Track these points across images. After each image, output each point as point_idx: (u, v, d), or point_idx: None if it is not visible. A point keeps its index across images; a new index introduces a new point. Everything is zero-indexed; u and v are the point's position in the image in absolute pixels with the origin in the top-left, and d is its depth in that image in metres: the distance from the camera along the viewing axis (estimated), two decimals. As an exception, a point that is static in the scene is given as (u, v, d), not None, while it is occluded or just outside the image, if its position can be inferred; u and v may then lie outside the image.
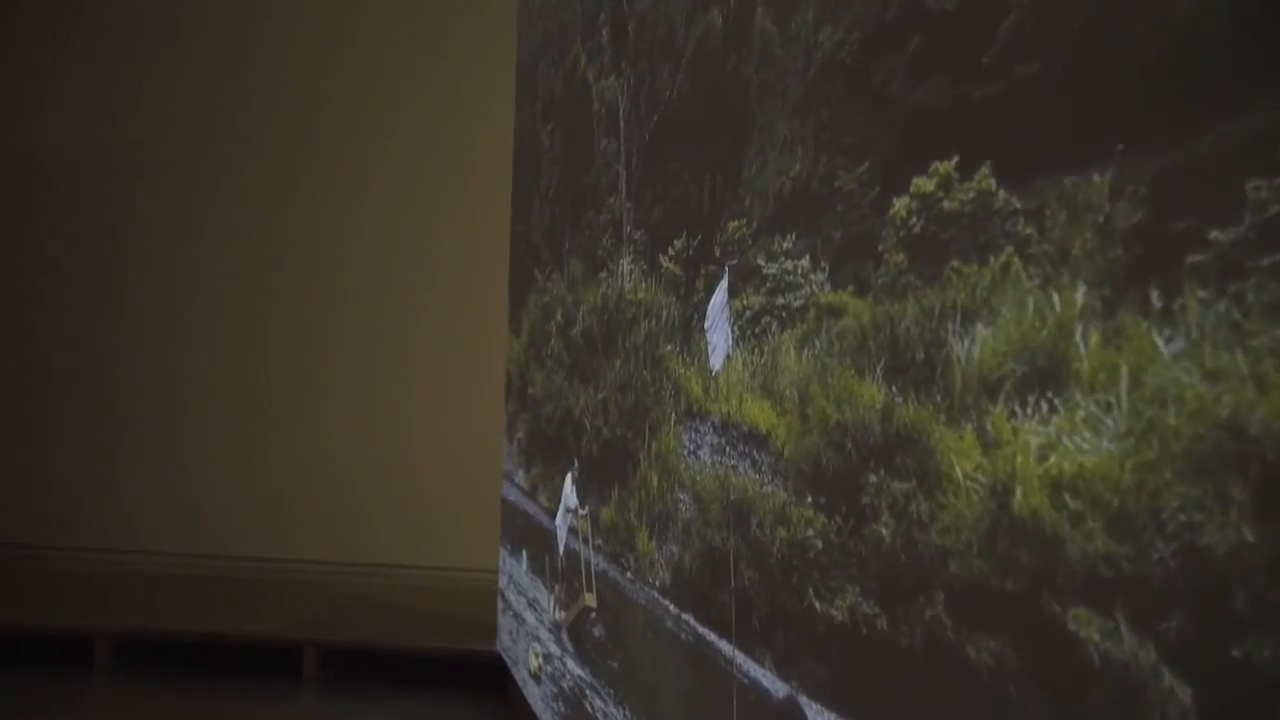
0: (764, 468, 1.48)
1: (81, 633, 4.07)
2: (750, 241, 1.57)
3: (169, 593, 4.81)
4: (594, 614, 2.21)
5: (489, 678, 3.56)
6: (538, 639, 2.66)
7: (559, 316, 2.64)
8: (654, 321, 1.97)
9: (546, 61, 2.89)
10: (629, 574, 2.03)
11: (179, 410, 5.73)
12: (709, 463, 1.67)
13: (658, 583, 1.87)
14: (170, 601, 4.62)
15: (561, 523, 2.47)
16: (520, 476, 2.95)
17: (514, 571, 2.96)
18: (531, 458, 2.84)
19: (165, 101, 5.89)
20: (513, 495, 3.01)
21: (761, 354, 1.51)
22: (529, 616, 2.71)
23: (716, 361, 1.65)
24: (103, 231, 5.86)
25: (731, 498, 1.57)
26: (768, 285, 1.50)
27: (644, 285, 2.04)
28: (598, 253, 2.36)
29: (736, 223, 1.62)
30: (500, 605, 3.20)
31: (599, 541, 2.22)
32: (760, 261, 1.53)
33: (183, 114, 5.86)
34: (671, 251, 1.90)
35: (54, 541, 5.61)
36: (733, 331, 1.61)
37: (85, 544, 5.62)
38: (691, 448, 1.75)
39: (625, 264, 2.16)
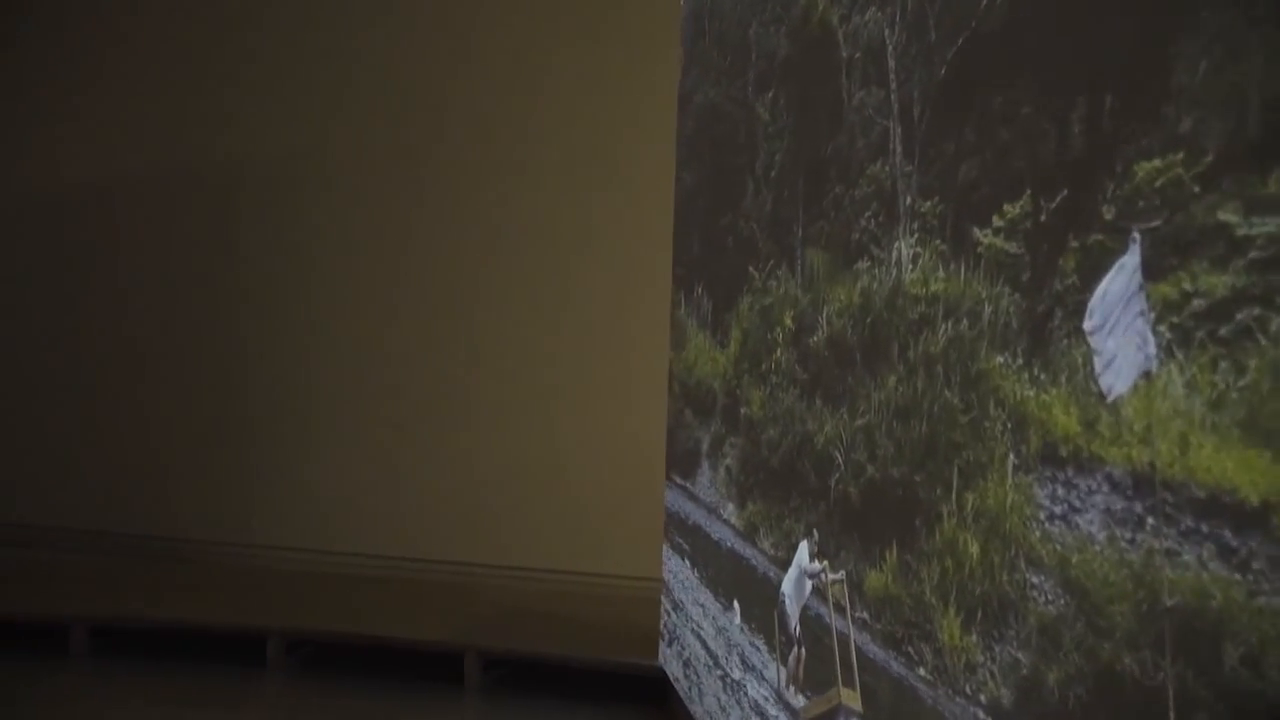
0: (1251, 561, 0.82)
1: (255, 630, 3.90)
2: (1198, 187, 0.91)
3: (338, 593, 4.59)
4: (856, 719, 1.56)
5: (651, 691, 3.33)
6: (762, 715, 2.02)
7: (787, 321, 2.01)
8: (963, 323, 1.32)
9: (761, 21, 2.26)
10: (922, 670, 1.38)
11: (349, 412, 5.43)
12: (1102, 538, 1.01)
13: (984, 697, 1.22)
14: (339, 602, 4.41)
15: (793, 590, 1.83)
16: (731, 512, 2.32)
17: (723, 623, 2.32)
18: (747, 491, 2.20)
19: (327, 110, 5.58)
20: (719, 533, 2.38)
21: (1236, 370, 0.85)
22: (752, 688, 2.06)
23: (1117, 381, 0.99)
24: (269, 240, 5.58)
25: (1167, 603, 0.91)
26: (1250, 255, 0.84)
27: (941, 273, 1.39)
28: (852, 237, 1.71)
29: (1158, 161, 0.96)
30: (703, 657, 2.57)
31: (863, 614, 1.58)
32: (1230, 217, 0.87)
33: (343, 121, 5.55)
34: (999, 222, 1.25)
35: (228, 538, 5.41)
36: (1154, 335, 0.95)
37: (258, 541, 5.40)
38: (1057, 510, 1.09)
39: (904, 247, 1.51)
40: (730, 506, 2.28)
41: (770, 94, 2.20)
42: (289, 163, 5.63)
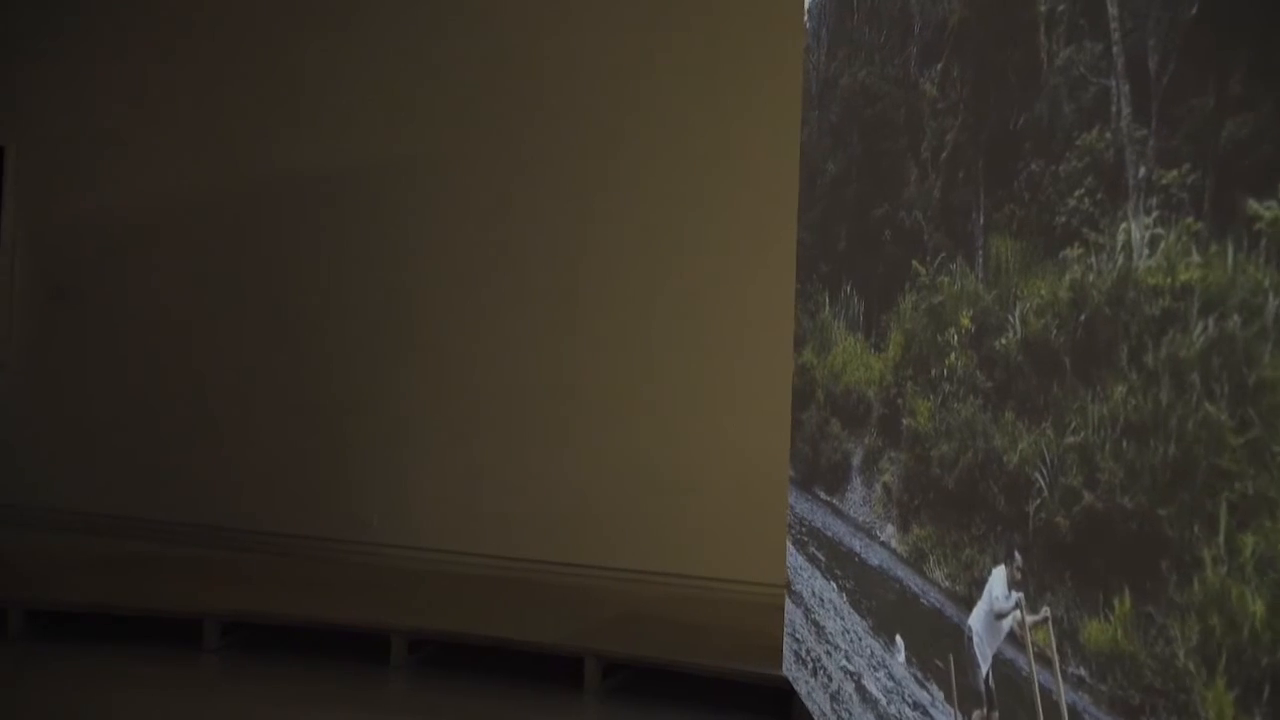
0: None
1: (379, 629, 3.89)
2: None
3: (458, 593, 4.54)
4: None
5: (773, 700, 3.25)
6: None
7: (965, 321, 1.72)
8: (1233, 319, 1.03)
9: (924, -12, 1.99)
10: (1170, 750, 1.09)
11: (474, 412, 5.40)
12: None
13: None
14: (459, 602, 4.36)
15: (984, 630, 1.55)
16: (891, 535, 2.03)
17: (883, 658, 2.04)
18: (912, 513, 1.92)
19: (438, 113, 5.51)
20: (875, 557, 2.10)
21: None
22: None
23: None
24: (409, 237, 5.57)
25: None
26: None
27: (1195, 257, 1.10)
28: (1056, 220, 1.42)
29: None
30: (855, 694, 2.30)
31: (1079, 670, 1.29)
32: None
33: (451, 124, 5.48)
34: (1294, 190, 0.96)
35: (353, 536, 5.43)
36: None
37: (382, 540, 5.40)
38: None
39: (1134, 228, 1.22)
40: (889, 528, 2.01)
41: (939, 66, 1.92)
42: (397, 165, 5.58)
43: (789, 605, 2.83)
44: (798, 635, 2.64)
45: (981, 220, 1.68)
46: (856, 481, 2.22)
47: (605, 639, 3.83)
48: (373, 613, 4.05)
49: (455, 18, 5.59)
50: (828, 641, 2.35)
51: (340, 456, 5.58)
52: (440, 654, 3.91)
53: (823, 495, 2.49)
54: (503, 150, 5.42)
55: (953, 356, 1.75)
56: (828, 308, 2.52)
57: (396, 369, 5.55)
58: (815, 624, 2.55)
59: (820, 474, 2.53)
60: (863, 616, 2.15)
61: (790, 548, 2.90)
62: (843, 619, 2.26)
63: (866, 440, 2.17)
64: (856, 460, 2.23)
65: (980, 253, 1.68)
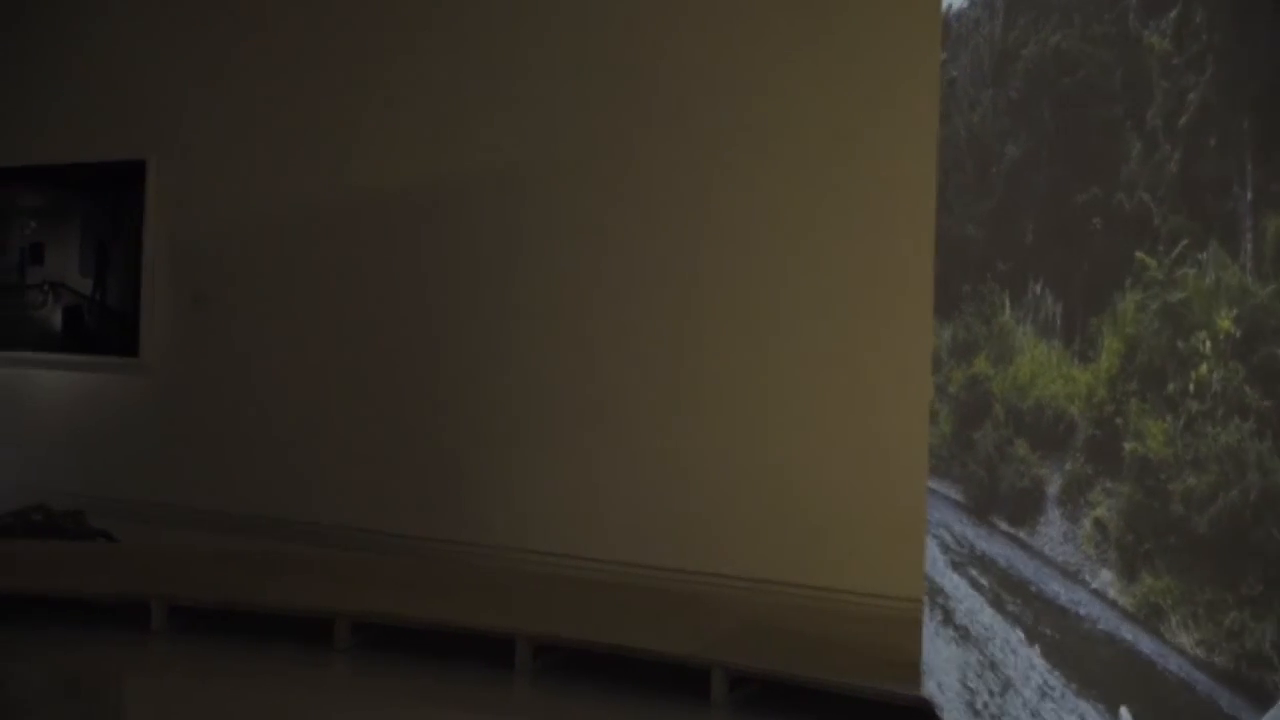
0: None
1: (504, 633, 3.74)
2: None
3: (581, 599, 4.37)
4: None
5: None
6: None
7: (1225, 323, 1.35)
8: None
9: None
10: None
11: (592, 415, 5.23)
12: None
13: None
14: (583, 608, 4.18)
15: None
16: (1107, 582, 1.65)
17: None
18: (1142, 559, 1.54)
19: (563, 118, 5.32)
20: (1084, 606, 1.72)
21: None
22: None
23: None
24: (525, 240, 5.42)
25: None
26: None
27: None
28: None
29: None
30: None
31: None
32: None
33: (580, 127, 5.28)
34: None
35: (480, 539, 5.34)
36: None
37: (507, 543, 5.30)
38: None
39: None
40: (1105, 574, 1.63)
41: (1172, 14, 1.54)
42: (509, 170, 5.44)
43: (932, 630, 2.47)
44: (969, 683, 2.28)
45: (1249, 196, 1.30)
46: (1054, 514, 1.84)
47: (732, 650, 3.62)
48: (498, 617, 3.91)
49: (560, 20, 5.42)
50: (1016, 694, 1.97)
51: (461, 459, 5.49)
52: (565, 660, 3.76)
53: (1004, 526, 2.12)
54: (612, 149, 5.25)
55: (1204, 368, 1.37)
56: (1008, 310, 2.14)
57: (514, 371, 5.44)
58: (992, 666, 2.17)
59: (999, 501, 2.16)
60: (1065, 672, 1.78)
61: (945, 568, 2.54)
62: (1034, 669, 1.89)
63: (1068, 466, 1.80)
64: (1053, 489, 1.86)
65: (1247, 237, 1.30)
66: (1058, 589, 1.78)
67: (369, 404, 5.80)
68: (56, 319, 6.63)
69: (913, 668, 2.93)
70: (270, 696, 3.57)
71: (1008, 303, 2.15)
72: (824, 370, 4.81)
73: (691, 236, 5.11)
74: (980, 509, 2.26)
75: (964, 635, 2.30)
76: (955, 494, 2.41)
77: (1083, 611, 1.70)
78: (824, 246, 4.85)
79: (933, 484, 2.58)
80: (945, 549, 2.54)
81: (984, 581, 2.25)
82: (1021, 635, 1.97)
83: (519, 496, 5.41)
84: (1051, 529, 1.85)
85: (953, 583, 2.45)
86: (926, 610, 2.53)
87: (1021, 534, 2.00)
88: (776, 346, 4.90)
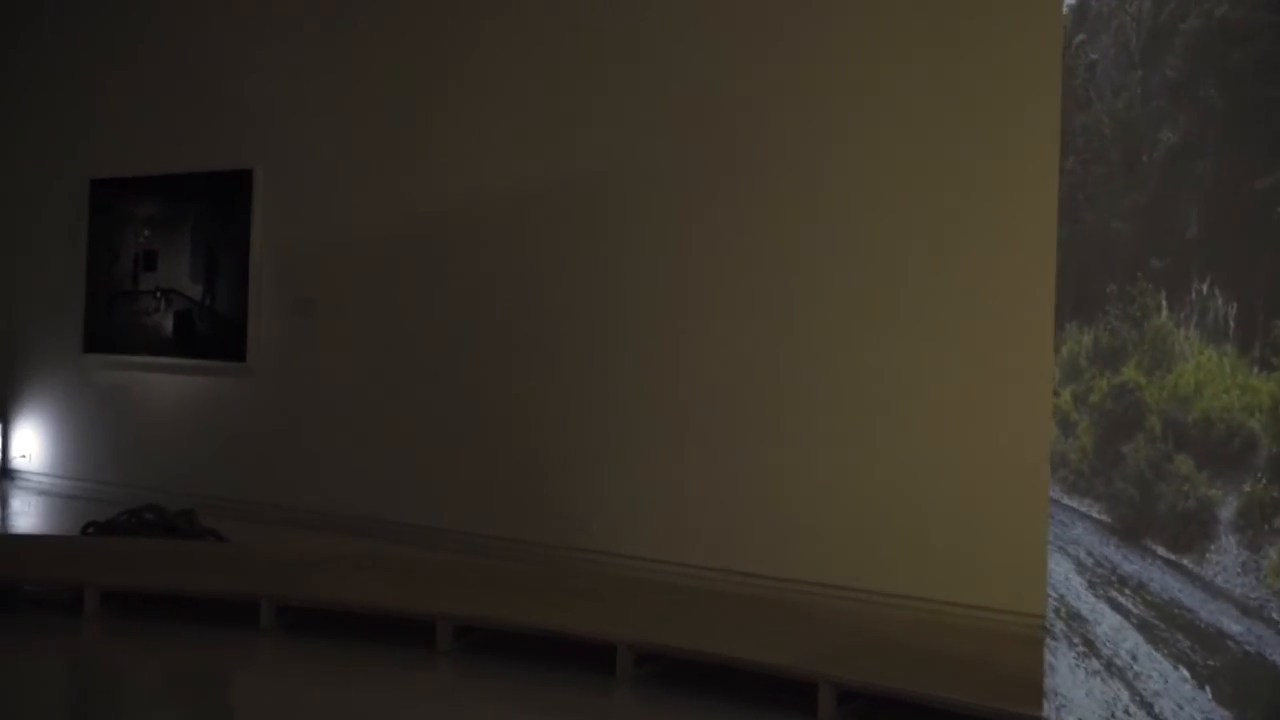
0: None
1: (606, 640, 3.66)
2: None
3: (684, 606, 4.23)
4: None
5: None
6: None
7: None
8: None
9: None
10: None
11: (694, 420, 5.12)
12: None
13: None
14: (686, 616, 4.04)
15: None
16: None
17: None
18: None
19: (691, 121, 5.21)
20: (1270, 649, 1.51)
21: None
22: None
23: None
24: (635, 252, 5.34)
25: None
26: None
27: None
28: None
29: None
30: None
31: None
32: None
33: (705, 131, 5.17)
34: None
35: (585, 545, 5.28)
36: None
37: (611, 549, 5.22)
38: None
39: None
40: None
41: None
42: (610, 176, 5.37)
43: (1070, 660, 2.25)
44: (1116, 716, 2.06)
45: None
46: (1228, 540, 1.63)
47: (839, 664, 3.45)
48: (599, 623, 3.83)
49: (651, 30, 5.31)
50: None
51: (562, 463, 5.44)
52: (667, 670, 3.66)
53: (1161, 550, 1.90)
54: (703, 159, 5.15)
55: None
56: (1165, 312, 1.92)
57: (616, 376, 5.37)
58: (1145, 706, 1.95)
59: (1155, 523, 1.94)
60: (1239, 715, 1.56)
61: (1082, 590, 2.31)
62: (1207, 714, 1.67)
63: (1247, 487, 1.58)
64: (1227, 512, 1.64)
65: None
66: (1235, 626, 1.57)
67: (466, 408, 5.78)
68: (168, 324, 6.77)
69: (1031, 687, 2.70)
70: (374, 698, 3.55)
71: (1164, 304, 1.92)
72: (934, 376, 4.61)
73: (789, 241, 4.95)
74: (1129, 531, 2.04)
75: (1109, 667, 2.09)
76: (1097, 512, 2.19)
77: (1265, 653, 1.49)
78: (932, 249, 4.64)
79: (1068, 500, 2.36)
80: (1082, 569, 2.32)
81: (1132, 609, 2.03)
82: (1186, 674, 1.75)
83: (613, 501, 5.32)
84: (1226, 558, 1.63)
85: (1091, 607, 2.23)
86: (1062, 637, 2.31)
87: (1186, 561, 1.78)
88: (882, 351, 4.72)
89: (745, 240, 5.05)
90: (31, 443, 7.44)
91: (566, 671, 3.68)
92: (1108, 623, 2.11)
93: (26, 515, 6.53)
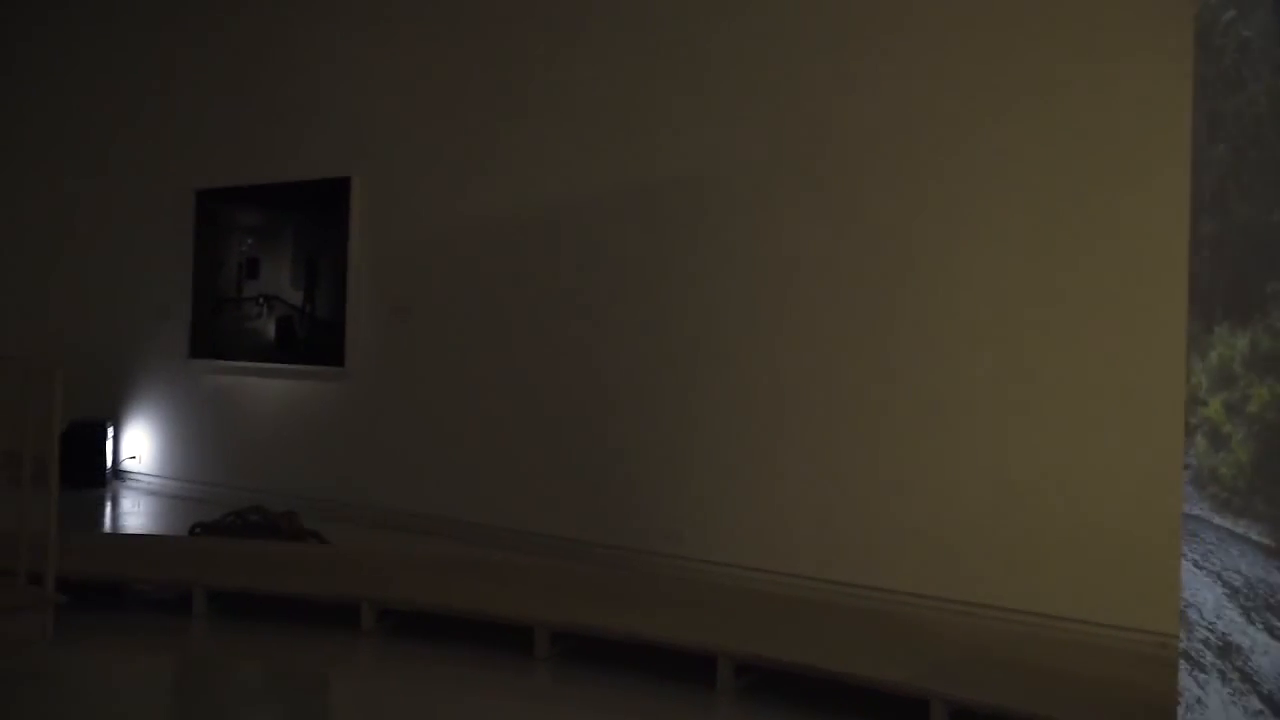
0: None
1: (706, 650, 3.57)
2: None
3: (787, 617, 4.09)
4: None
5: None
6: None
7: None
8: None
9: None
10: None
11: (790, 425, 4.99)
12: None
13: None
14: (789, 627, 3.91)
15: None
16: None
17: None
18: None
19: (782, 123, 5.09)
20: None
21: None
22: None
23: None
24: (715, 248, 5.22)
25: None
26: None
27: None
28: None
29: None
30: None
31: None
32: None
33: (800, 133, 5.04)
34: None
35: (684, 553, 5.20)
36: None
37: (692, 555, 5.14)
38: None
39: None
40: None
41: None
42: (707, 178, 5.28)
43: (1225, 695, 2.06)
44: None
45: None
46: None
47: (953, 680, 3.30)
48: (699, 633, 3.73)
49: (744, 30, 5.20)
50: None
51: (653, 468, 5.38)
52: (767, 681, 3.54)
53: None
54: (814, 158, 4.99)
55: None
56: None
57: (708, 381, 5.27)
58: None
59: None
60: None
61: (1237, 618, 2.13)
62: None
63: None
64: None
65: None
66: None
67: (559, 413, 5.74)
68: (270, 330, 6.89)
69: (1164, 713, 2.53)
70: (473, 702, 3.53)
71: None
72: (1049, 383, 4.41)
73: (894, 242, 4.78)
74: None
75: (1271, 704, 1.91)
76: (1256, 534, 2.01)
77: None
78: (1044, 249, 4.44)
79: (1219, 519, 2.18)
80: (1235, 595, 2.14)
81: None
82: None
83: (705, 508, 5.23)
84: None
85: (1250, 638, 2.05)
86: (1213, 670, 2.13)
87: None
88: (993, 356, 4.53)
89: (847, 243, 4.91)
90: (141, 445, 7.65)
91: (664, 681, 3.61)
92: (1272, 655, 1.93)
93: (136, 515, 6.71)
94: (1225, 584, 2.17)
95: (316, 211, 6.68)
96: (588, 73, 5.72)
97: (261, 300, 6.92)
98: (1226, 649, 2.10)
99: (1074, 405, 4.35)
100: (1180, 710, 2.24)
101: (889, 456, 4.74)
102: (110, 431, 7.64)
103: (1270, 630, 1.98)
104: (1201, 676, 2.15)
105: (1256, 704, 1.94)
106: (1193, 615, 2.25)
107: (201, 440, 7.30)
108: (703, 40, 5.37)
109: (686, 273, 5.36)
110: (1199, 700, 2.17)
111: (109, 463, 7.60)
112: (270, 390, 6.95)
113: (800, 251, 5.03)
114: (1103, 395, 4.28)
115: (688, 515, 5.26)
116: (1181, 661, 2.19)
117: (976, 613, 4.39)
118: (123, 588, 4.40)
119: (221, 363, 7.15)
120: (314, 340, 6.66)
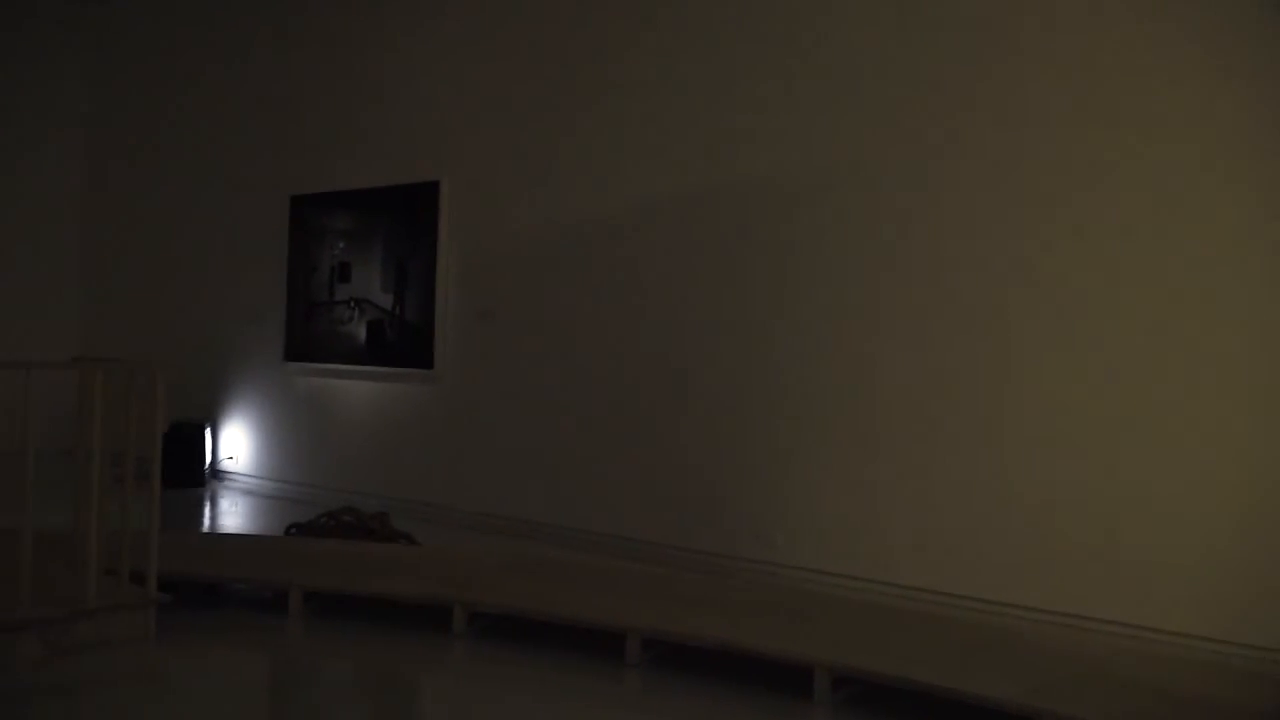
0: None
1: (802, 661, 3.46)
2: None
3: (887, 628, 3.93)
4: None
5: None
6: None
7: None
8: None
9: None
10: None
11: (886, 429, 4.84)
12: None
13: None
14: (889, 639, 3.75)
15: None
16: None
17: None
18: None
19: (877, 118, 4.90)
20: None
21: None
22: None
23: None
24: (838, 247, 5.10)
25: None
26: None
27: None
28: None
29: None
30: None
31: None
32: None
33: (895, 127, 4.88)
34: None
35: (755, 555, 5.13)
36: None
37: (784, 560, 5.04)
38: None
39: None
40: None
41: None
42: (799, 176, 5.15)
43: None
44: None
45: None
46: None
47: (1063, 698, 3.12)
48: (794, 643, 3.61)
49: (836, 24, 5.05)
50: None
51: (745, 472, 5.28)
52: (866, 694, 3.41)
53: None
54: (920, 149, 4.82)
55: None
56: None
57: (800, 385, 5.15)
58: None
59: None
60: None
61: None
62: None
63: None
64: None
65: None
66: None
67: (647, 415, 5.67)
68: (361, 333, 6.97)
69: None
70: (562, 707, 3.48)
71: None
72: (1168, 385, 4.17)
73: (995, 249, 4.60)
74: None
75: None
76: None
77: None
78: (1156, 238, 4.21)
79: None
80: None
81: None
82: None
83: (798, 513, 5.11)
84: None
85: None
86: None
87: None
88: (1108, 355, 4.32)
89: (950, 242, 4.74)
90: (237, 445, 7.83)
91: (757, 690, 3.52)
92: None
93: (233, 515, 6.85)
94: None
95: (406, 215, 6.73)
96: (674, 73, 5.64)
97: (352, 303, 7.01)
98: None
99: (1185, 416, 4.11)
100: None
101: (996, 463, 4.55)
102: (208, 432, 7.83)
103: None
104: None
105: None
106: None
107: (295, 441, 7.43)
108: (792, 34, 5.25)
109: (777, 272, 5.24)
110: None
111: (207, 463, 7.79)
112: (361, 392, 7.04)
113: (901, 250, 4.86)
114: (1225, 402, 4.04)
115: (779, 519, 5.14)
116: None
117: (1088, 627, 4.19)
118: (220, 586, 4.46)
119: (314, 365, 7.27)
120: (403, 343, 6.72)
